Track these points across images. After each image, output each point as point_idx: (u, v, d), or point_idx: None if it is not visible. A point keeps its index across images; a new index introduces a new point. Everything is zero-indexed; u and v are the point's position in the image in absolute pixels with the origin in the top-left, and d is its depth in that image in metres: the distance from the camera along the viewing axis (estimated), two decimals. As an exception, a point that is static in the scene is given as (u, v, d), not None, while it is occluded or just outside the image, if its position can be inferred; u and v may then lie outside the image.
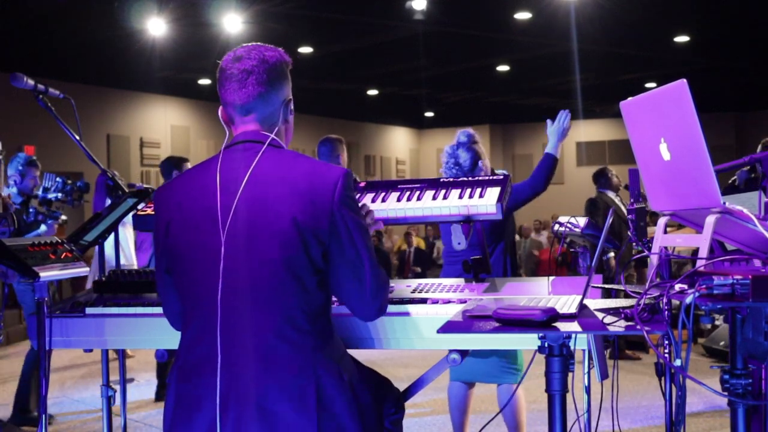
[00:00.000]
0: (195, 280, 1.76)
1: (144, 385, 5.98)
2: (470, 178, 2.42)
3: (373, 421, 1.85)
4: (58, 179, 3.54)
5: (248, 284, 1.71)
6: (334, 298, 1.89)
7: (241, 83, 1.81)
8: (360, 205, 1.94)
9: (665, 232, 2.08)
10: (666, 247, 2.11)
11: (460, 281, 2.40)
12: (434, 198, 2.36)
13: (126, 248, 6.50)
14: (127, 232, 6.61)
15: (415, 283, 2.38)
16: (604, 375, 2.09)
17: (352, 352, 1.98)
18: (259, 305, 1.71)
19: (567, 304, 1.87)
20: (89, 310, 2.33)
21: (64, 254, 2.41)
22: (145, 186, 2.88)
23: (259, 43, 1.88)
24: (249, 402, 1.69)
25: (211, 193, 1.77)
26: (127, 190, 2.84)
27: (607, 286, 2.16)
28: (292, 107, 1.90)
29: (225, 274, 1.72)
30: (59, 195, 3.73)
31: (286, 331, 1.71)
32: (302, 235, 1.70)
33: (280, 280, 1.70)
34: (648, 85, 13.99)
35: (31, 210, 4.72)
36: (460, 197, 2.32)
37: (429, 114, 18.80)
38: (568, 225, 3.24)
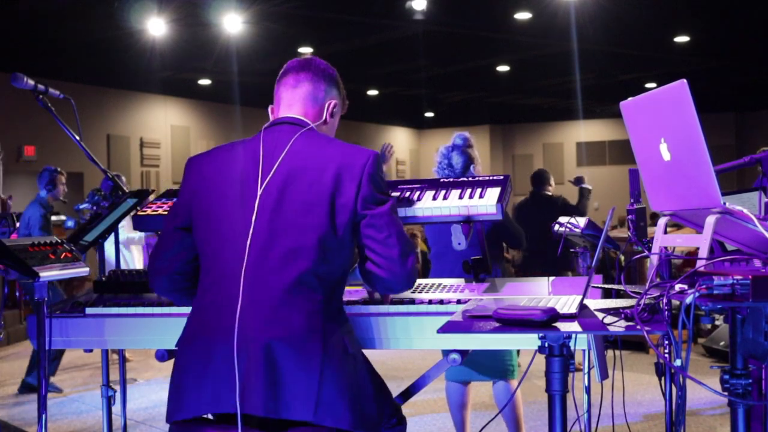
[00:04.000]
0: (222, 233, 1.85)
1: (144, 385, 5.98)
2: (470, 179, 2.42)
3: (371, 401, 1.86)
4: (91, 191, 3.80)
5: (272, 242, 1.80)
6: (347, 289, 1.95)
7: (297, 73, 2.03)
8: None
9: (665, 232, 2.08)
10: (666, 247, 2.11)
11: (460, 281, 2.40)
12: (434, 198, 2.36)
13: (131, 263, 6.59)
14: (134, 253, 6.68)
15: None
16: (604, 375, 2.10)
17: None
18: (279, 262, 1.79)
19: (567, 304, 1.87)
20: (89, 310, 2.33)
21: (64, 254, 2.41)
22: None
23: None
24: (258, 350, 1.74)
25: (247, 161, 1.89)
26: (126, 191, 2.84)
27: (607, 286, 2.16)
28: (336, 111, 2.07)
29: (255, 227, 1.82)
30: (88, 205, 4.05)
31: (300, 292, 1.78)
32: (331, 205, 1.81)
33: (303, 243, 1.79)
34: (648, 85, 13.98)
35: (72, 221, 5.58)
36: (460, 197, 2.33)
37: (429, 114, 18.80)
38: (568, 225, 3.24)
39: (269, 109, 2.06)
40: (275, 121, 1.98)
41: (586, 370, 2.24)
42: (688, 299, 1.54)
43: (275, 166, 1.86)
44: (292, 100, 2.01)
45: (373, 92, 15.46)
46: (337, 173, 1.83)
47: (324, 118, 2.02)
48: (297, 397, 1.73)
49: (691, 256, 2.36)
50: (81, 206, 5.36)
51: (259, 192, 1.84)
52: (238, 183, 1.88)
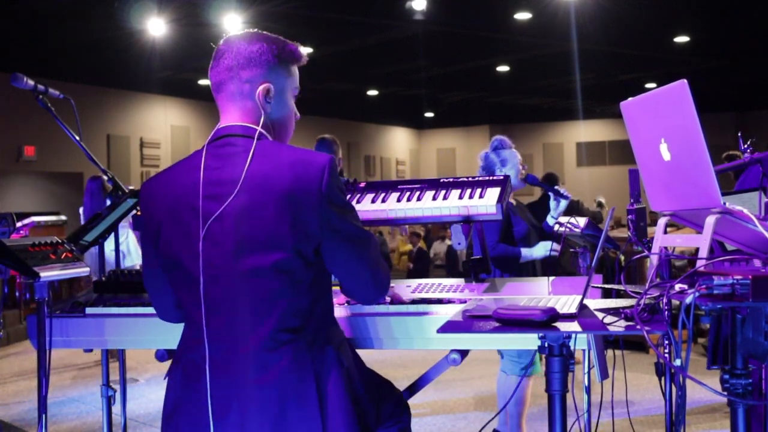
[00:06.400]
0: (187, 285, 1.74)
1: (144, 385, 5.98)
2: (470, 178, 2.42)
3: (370, 408, 1.85)
4: None
5: (239, 290, 1.69)
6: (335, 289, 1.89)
7: (213, 69, 1.80)
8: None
9: (665, 232, 2.08)
10: (666, 247, 2.11)
11: (460, 281, 2.40)
12: (434, 198, 2.36)
13: (134, 250, 6.55)
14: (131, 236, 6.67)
15: (415, 283, 2.38)
16: (604, 375, 2.09)
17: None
18: (252, 310, 1.69)
19: (567, 304, 1.87)
20: (89, 310, 2.33)
21: (64, 254, 2.41)
22: (131, 188, 2.89)
23: (255, 31, 1.83)
24: (252, 405, 1.69)
25: (197, 196, 1.71)
26: (126, 191, 2.83)
27: (607, 286, 2.16)
28: (276, 93, 1.79)
29: (208, 280, 1.69)
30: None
31: (280, 335, 1.69)
32: (293, 235, 1.66)
33: (271, 286, 1.68)
34: (648, 85, 14.00)
35: None
36: (460, 197, 2.33)
37: (429, 114, 18.81)
38: (568, 225, 3.24)
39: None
40: (217, 134, 1.77)
41: (586, 370, 2.24)
42: (688, 299, 1.54)
43: (225, 204, 1.67)
44: (223, 106, 1.80)
45: (373, 92, 15.47)
46: (292, 200, 1.64)
47: (262, 109, 1.76)
48: None
49: (692, 256, 2.36)
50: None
51: (201, 235, 1.68)
52: (192, 220, 1.70)
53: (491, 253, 3.69)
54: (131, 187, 2.88)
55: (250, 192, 1.67)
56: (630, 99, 2.03)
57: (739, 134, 4.45)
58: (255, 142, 1.72)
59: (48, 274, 2.29)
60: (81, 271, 2.43)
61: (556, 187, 3.93)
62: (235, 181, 1.68)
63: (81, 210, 6.43)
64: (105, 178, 2.86)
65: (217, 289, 1.69)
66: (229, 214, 1.67)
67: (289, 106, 1.84)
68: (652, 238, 2.12)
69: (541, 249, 3.71)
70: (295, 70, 1.85)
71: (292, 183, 1.66)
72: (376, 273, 1.81)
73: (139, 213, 2.59)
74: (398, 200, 2.39)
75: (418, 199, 2.37)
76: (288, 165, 1.68)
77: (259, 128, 1.75)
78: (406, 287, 2.32)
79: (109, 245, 3.58)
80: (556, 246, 3.66)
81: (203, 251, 1.69)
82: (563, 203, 3.87)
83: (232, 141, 1.74)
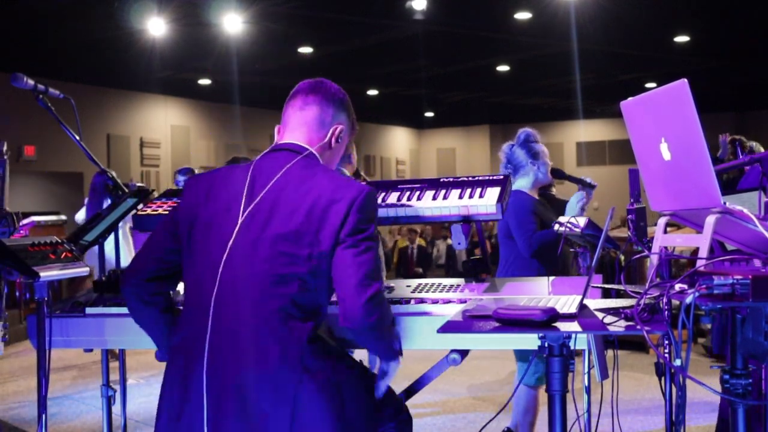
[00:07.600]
0: (204, 261, 1.84)
1: (144, 385, 5.98)
2: (470, 178, 2.42)
3: (361, 425, 1.84)
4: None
5: (251, 273, 1.77)
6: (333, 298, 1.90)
7: (306, 95, 2.00)
8: None
9: (665, 232, 2.08)
10: (666, 247, 2.11)
11: (460, 281, 2.40)
12: (434, 198, 2.36)
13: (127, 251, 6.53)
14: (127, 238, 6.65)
15: (415, 283, 2.38)
16: (604, 375, 2.09)
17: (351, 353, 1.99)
18: (257, 294, 1.76)
19: (567, 304, 1.87)
20: (89, 310, 2.33)
21: (64, 254, 2.41)
22: (138, 185, 2.87)
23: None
24: (229, 388, 1.73)
25: (237, 188, 1.88)
26: (126, 190, 2.83)
27: (607, 286, 2.16)
28: (342, 137, 2.02)
29: (229, 259, 1.80)
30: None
31: (279, 321, 1.75)
32: (315, 236, 1.78)
33: (282, 273, 1.76)
34: (648, 85, 13.98)
35: None
36: (460, 197, 2.33)
37: (429, 114, 18.80)
38: (568, 225, 3.23)
39: (276, 129, 2.02)
40: (274, 147, 1.96)
41: (586, 370, 2.24)
42: (688, 299, 1.54)
43: (260, 196, 1.84)
44: (297, 123, 1.98)
45: (373, 92, 15.46)
46: (324, 206, 1.79)
47: (328, 142, 1.98)
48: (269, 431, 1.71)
49: (692, 256, 2.36)
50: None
51: (240, 221, 1.82)
52: (223, 211, 1.86)
53: (531, 248, 3.54)
54: (139, 185, 2.87)
55: (289, 192, 1.83)
56: (630, 99, 2.03)
57: (737, 143, 4.48)
58: (302, 156, 1.91)
59: (48, 274, 2.29)
60: (81, 271, 2.43)
61: (581, 177, 3.87)
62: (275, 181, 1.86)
63: (86, 201, 6.41)
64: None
65: (232, 266, 1.80)
66: (261, 207, 1.82)
67: (341, 153, 2.07)
68: (652, 238, 2.12)
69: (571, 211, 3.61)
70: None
71: (330, 194, 1.81)
72: (363, 290, 1.79)
73: (140, 212, 2.59)
74: (398, 200, 2.39)
75: (418, 198, 2.37)
76: (332, 180, 1.85)
77: (313, 149, 1.95)
78: (406, 287, 2.32)
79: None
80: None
81: (229, 231, 1.83)
82: (591, 193, 3.81)
83: (286, 155, 1.92)
